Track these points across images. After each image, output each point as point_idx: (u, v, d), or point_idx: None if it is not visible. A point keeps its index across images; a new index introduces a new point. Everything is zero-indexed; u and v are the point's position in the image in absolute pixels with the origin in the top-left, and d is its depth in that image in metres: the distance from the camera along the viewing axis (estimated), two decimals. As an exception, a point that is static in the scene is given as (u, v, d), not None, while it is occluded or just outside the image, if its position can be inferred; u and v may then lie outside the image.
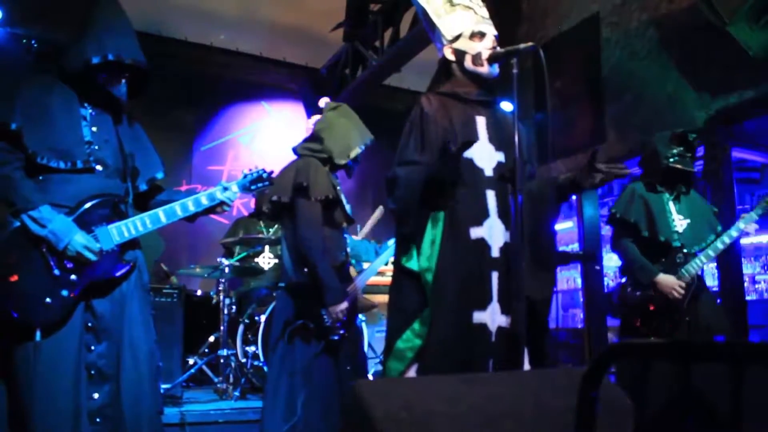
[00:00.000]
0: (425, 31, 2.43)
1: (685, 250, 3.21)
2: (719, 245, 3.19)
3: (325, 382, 2.76)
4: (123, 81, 2.32)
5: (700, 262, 3.17)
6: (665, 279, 3.14)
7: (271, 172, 2.61)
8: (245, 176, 2.55)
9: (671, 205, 3.27)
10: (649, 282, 3.17)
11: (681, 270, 3.17)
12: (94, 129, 2.27)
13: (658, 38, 4.12)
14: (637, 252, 3.24)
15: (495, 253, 2.12)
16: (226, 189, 2.43)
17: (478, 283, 2.09)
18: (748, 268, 5.81)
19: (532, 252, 2.17)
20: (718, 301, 3.72)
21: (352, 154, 2.99)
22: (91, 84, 2.28)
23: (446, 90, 2.28)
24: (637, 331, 3.20)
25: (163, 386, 3.67)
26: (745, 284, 4.20)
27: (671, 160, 3.22)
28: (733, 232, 3.21)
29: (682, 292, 3.12)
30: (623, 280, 3.39)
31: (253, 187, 2.56)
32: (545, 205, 2.25)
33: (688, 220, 3.24)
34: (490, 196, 2.16)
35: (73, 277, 2.11)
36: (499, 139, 2.23)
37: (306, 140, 3.11)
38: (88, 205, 2.19)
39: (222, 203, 2.43)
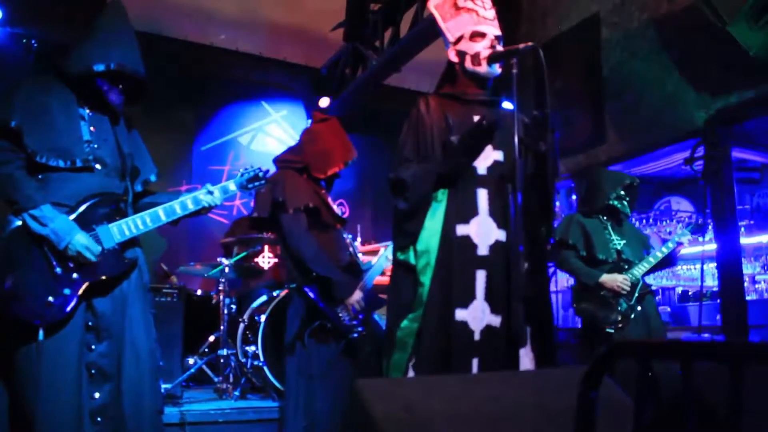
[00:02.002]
0: (425, 31, 2.45)
1: (629, 261, 3.51)
2: (658, 254, 3.54)
3: (343, 383, 2.77)
4: (119, 91, 2.33)
5: (643, 268, 3.48)
6: (610, 276, 3.43)
7: (267, 171, 2.62)
8: (242, 175, 2.57)
9: (610, 228, 3.60)
10: (596, 283, 3.43)
11: (626, 272, 3.45)
12: (92, 128, 2.28)
13: (658, 38, 4.11)
14: (579, 262, 3.53)
15: (483, 251, 2.13)
16: (210, 193, 2.43)
17: (461, 280, 2.10)
18: (748, 268, 5.80)
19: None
20: (718, 300, 3.76)
21: (330, 172, 2.98)
22: (89, 88, 2.29)
23: (446, 91, 2.31)
24: (598, 330, 3.42)
25: (163, 386, 3.67)
26: (745, 284, 4.19)
27: (613, 201, 3.57)
28: (670, 244, 3.58)
29: (627, 285, 3.39)
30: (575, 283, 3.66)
31: (250, 186, 2.58)
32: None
33: (625, 241, 3.57)
34: (481, 194, 2.17)
35: (75, 275, 2.12)
36: (499, 138, 2.23)
37: (287, 151, 3.13)
38: (88, 203, 2.19)
39: (209, 206, 2.43)
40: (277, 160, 3.10)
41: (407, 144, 2.25)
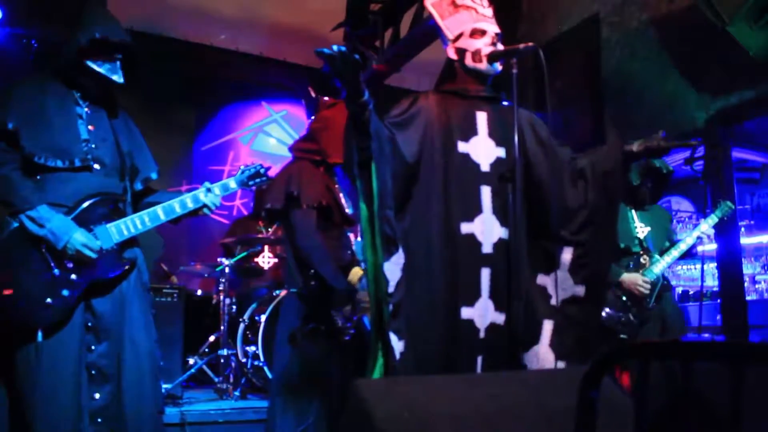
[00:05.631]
0: (425, 31, 2.44)
1: (650, 253, 3.37)
2: (682, 246, 3.35)
3: (335, 384, 2.75)
4: (117, 62, 2.31)
5: (665, 263, 3.33)
6: (630, 277, 3.28)
7: (269, 168, 2.62)
8: (242, 172, 2.56)
9: (633, 214, 3.46)
10: (615, 282, 3.28)
11: (645, 270, 3.31)
12: (90, 127, 2.28)
13: (658, 38, 4.11)
14: None
15: (487, 249, 2.12)
16: (209, 191, 2.42)
17: (465, 278, 2.09)
18: (748, 268, 5.81)
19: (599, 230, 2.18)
20: (718, 301, 3.77)
21: None
22: (86, 74, 2.28)
23: (447, 88, 2.30)
24: (612, 331, 3.28)
25: (164, 386, 3.67)
26: (745, 284, 4.19)
27: (636, 183, 3.43)
28: (696, 232, 3.40)
29: (648, 288, 3.25)
30: None
31: (251, 183, 2.57)
32: (610, 181, 2.24)
33: (649, 228, 3.42)
34: (485, 191, 2.16)
35: (73, 276, 2.11)
36: (501, 135, 2.23)
37: (301, 139, 3.10)
38: (86, 203, 2.19)
39: (204, 206, 2.42)
40: (293, 149, 3.06)
41: (391, 113, 2.19)
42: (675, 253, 3.35)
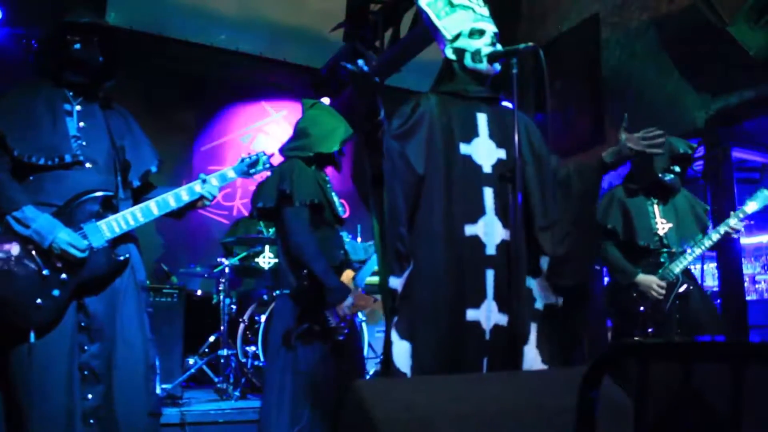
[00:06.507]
0: (425, 31, 2.43)
1: (671, 250, 3.18)
2: (706, 242, 3.14)
3: (330, 384, 2.75)
4: (95, 43, 2.31)
5: (685, 261, 3.13)
6: (645, 279, 3.12)
7: (272, 155, 2.60)
8: (242, 160, 2.54)
9: (655, 209, 3.24)
10: (630, 283, 3.14)
11: (663, 270, 3.13)
12: (81, 124, 2.27)
13: (658, 38, 4.12)
14: (617, 255, 3.21)
15: (491, 250, 2.12)
16: (204, 182, 2.40)
17: (471, 280, 2.09)
18: (748, 268, 5.82)
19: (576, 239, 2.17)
20: (718, 301, 3.76)
21: (339, 143, 2.98)
22: (72, 66, 2.28)
23: (447, 89, 2.30)
24: (628, 332, 3.18)
25: (163, 386, 3.67)
26: (745, 284, 4.19)
27: (665, 177, 3.19)
28: (722, 229, 3.17)
29: (662, 291, 3.08)
30: (610, 280, 3.39)
31: (251, 171, 2.55)
32: (586, 188, 2.22)
33: (671, 224, 3.21)
34: (488, 193, 2.16)
35: (63, 276, 2.09)
36: (501, 136, 2.23)
37: (290, 140, 3.11)
38: (77, 202, 2.17)
39: (202, 198, 2.40)
40: (283, 149, 3.08)
41: (392, 123, 2.16)
42: (698, 250, 3.12)
